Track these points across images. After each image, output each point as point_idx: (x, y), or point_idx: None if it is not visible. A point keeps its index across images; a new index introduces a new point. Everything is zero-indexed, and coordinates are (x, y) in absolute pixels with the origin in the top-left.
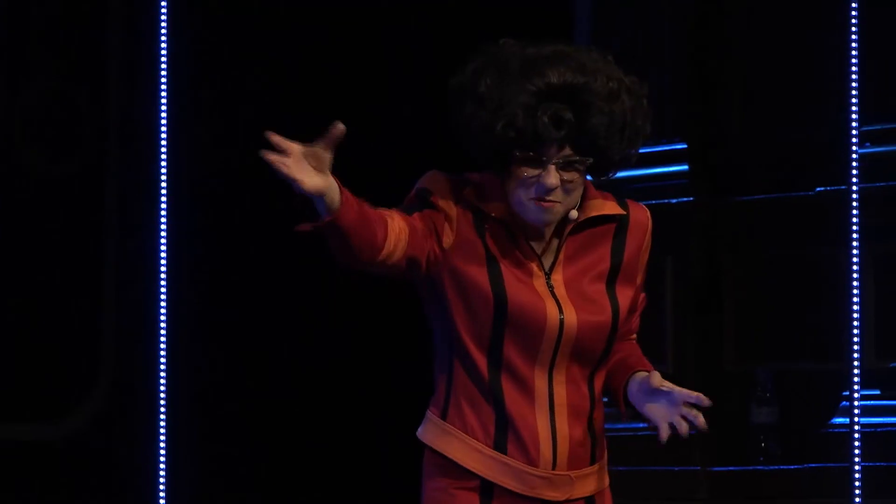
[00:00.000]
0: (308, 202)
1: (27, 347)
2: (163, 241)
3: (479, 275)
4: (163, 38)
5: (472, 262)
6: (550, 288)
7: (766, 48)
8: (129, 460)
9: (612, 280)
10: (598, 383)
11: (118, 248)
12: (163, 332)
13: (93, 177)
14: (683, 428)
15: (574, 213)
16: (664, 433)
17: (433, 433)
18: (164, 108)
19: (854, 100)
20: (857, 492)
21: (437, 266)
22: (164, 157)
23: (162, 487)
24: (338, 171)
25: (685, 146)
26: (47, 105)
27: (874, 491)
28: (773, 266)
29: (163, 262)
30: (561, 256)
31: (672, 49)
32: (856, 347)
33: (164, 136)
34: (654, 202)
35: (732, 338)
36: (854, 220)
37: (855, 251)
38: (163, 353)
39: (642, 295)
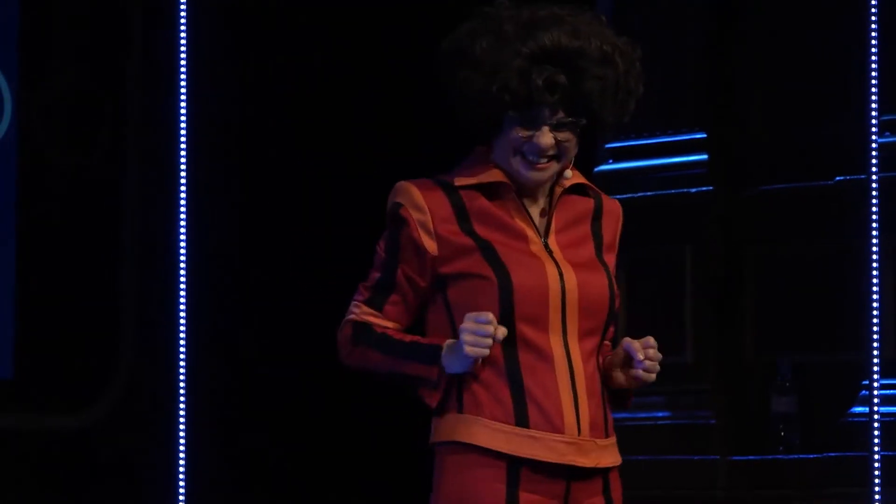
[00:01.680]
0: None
1: (47, 339)
2: (182, 234)
3: (474, 265)
4: (182, 32)
5: (462, 257)
6: (548, 250)
7: (786, 38)
8: (148, 451)
9: (598, 253)
10: (601, 361)
11: (138, 241)
12: (182, 324)
13: (113, 171)
14: (641, 375)
15: (569, 173)
16: (636, 382)
17: (451, 427)
18: (183, 102)
19: (874, 89)
20: (876, 481)
21: (434, 286)
22: (183, 151)
23: (181, 478)
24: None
25: (705, 135)
26: (68, 100)
27: (894, 480)
28: (792, 256)
29: (182, 255)
30: (553, 221)
31: (693, 38)
32: (875, 337)
33: (183, 130)
34: (673, 191)
35: (752, 328)
36: (874, 209)
37: (874, 240)
38: (182, 345)
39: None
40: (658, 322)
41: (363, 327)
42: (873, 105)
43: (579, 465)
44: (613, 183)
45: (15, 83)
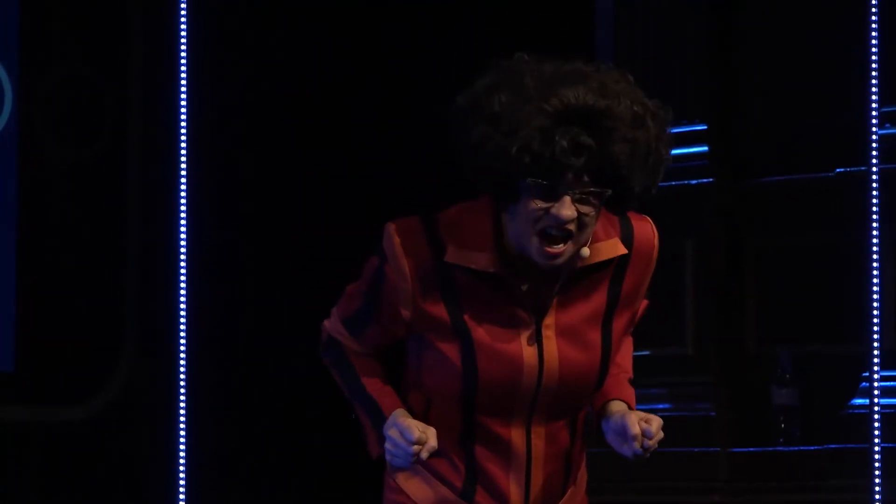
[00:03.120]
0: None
1: (48, 332)
2: (183, 227)
3: (446, 348)
4: (183, 23)
5: (437, 333)
6: (539, 334)
7: (787, 30)
8: (148, 443)
9: (608, 316)
10: (580, 419)
11: (139, 234)
12: (183, 317)
13: (114, 163)
14: (632, 457)
15: (586, 251)
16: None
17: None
18: (184, 95)
19: (874, 81)
20: (876, 472)
21: (410, 332)
22: (184, 144)
23: (182, 470)
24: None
25: (705, 127)
26: (69, 92)
27: (894, 471)
28: (793, 247)
29: (183, 248)
30: (556, 300)
31: (694, 30)
32: (875, 328)
33: (184, 124)
34: (674, 183)
35: (752, 319)
36: (874, 201)
37: (875, 232)
38: (183, 338)
39: (645, 302)
40: (659, 314)
41: (335, 345)
42: (874, 97)
43: None
44: None
45: (15, 76)
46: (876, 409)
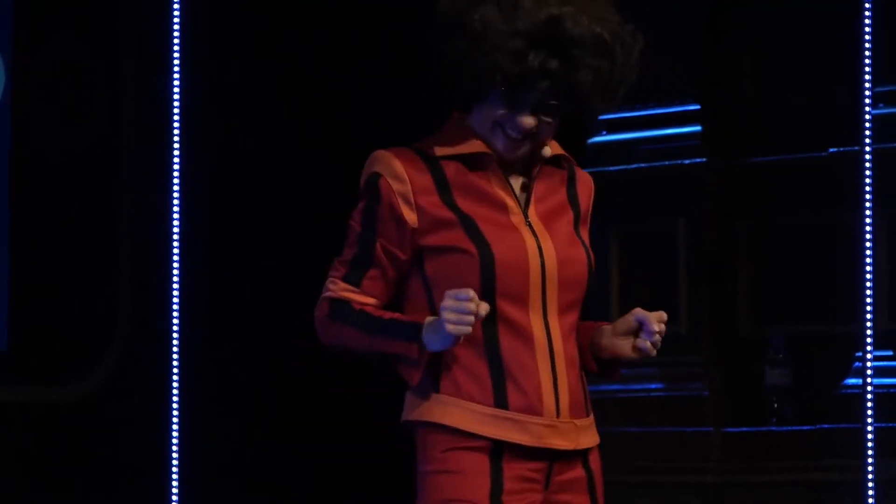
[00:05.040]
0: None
1: (41, 312)
2: (176, 209)
3: (456, 239)
4: (176, 4)
5: (443, 230)
6: (528, 223)
7: (779, 9)
8: (141, 424)
9: (575, 225)
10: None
11: (132, 216)
12: (176, 297)
13: (107, 145)
14: (649, 347)
15: (547, 150)
16: (639, 353)
17: (427, 407)
18: (177, 76)
19: (867, 61)
20: (869, 452)
21: (413, 259)
22: (177, 124)
23: (174, 451)
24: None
25: (698, 107)
26: (61, 74)
27: (887, 451)
28: (785, 227)
29: (176, 229)
30: (533, 193)
31: (685, 10)
32: (869, 309)
33: (176, 106)
34: (667, 163)
35: (746, 300)
36: (867, 181)
37: (868, 212)
38: (176, 317)
39: (592, 255)
40: (651, 293)
41: (340, 304)
42: (867, 76)
43: (559, 447)
44: (607, 154)
45: (8, 57)
46: (869, 388)
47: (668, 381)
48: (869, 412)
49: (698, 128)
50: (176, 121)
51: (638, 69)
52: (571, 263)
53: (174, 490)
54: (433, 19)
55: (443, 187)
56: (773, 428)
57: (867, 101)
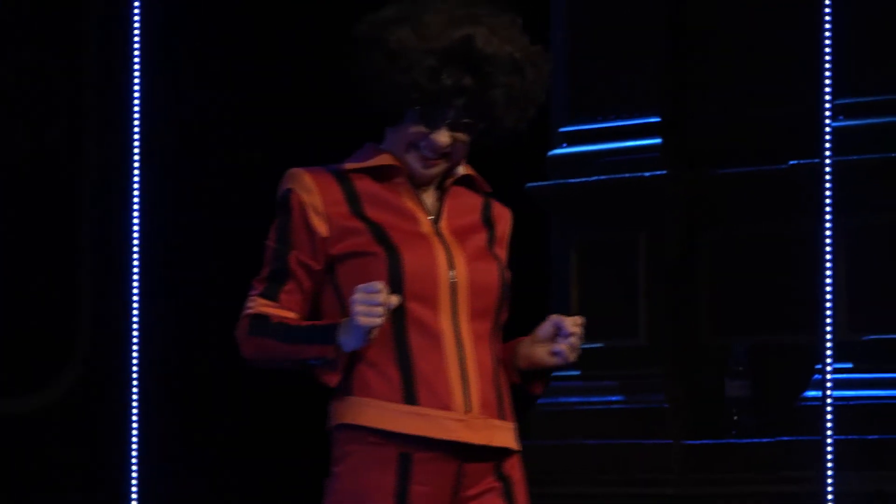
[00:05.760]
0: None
1: (2, 323)
2: (137, 217)
3: (363, 244)
4: (137, 9)
5: (353, 237)
6: (439, 235)
7: (739, 22)
8: (102, 433)
9: (490, 244)
10: (497, 349)
11: (94, 223)
12: (136, 308)
13: (68, 154)
14: (566, 350)
15: (460, 170)
16: (557, 358)
17: (341, 410)
18: (137, 83)
19: (827, 73)
20: (828, 464)
21: (326, 269)
22: (137, 130)
23: (134, 461)
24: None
25: (659, 119)
26: (23, 78)
27: (846, 463)
28: (746, 239)
29: (136, 239)
30: (444, 209)
31: (647, 23)
32: (828, 321)
33: (137, 110)
34: (627, 175)
35: (706, 311)
36: (827, 193)
37: (828, 224)
38: (136, 329)
39: (508, 273)
40: (612, 305)
41: (260, 318)
42: (827, 89)
43: (468, 441)
44: (568, 166)
45: None
46: (828, 401)
47: (628, 392)
48: (829, 424)
49: (659, 140)
50: (136, 126)
51: (548, 87)
52: (482, 272)
53: (133, 500)
54: (351, 41)
55: (353, 199)
56: (734, 440)
57: (827, 113)
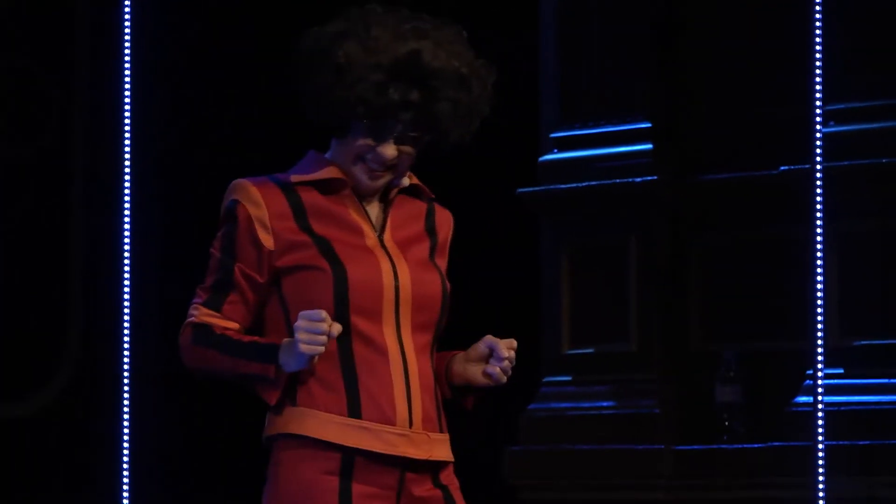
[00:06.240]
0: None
1: None
2: (127, 222)
3: (309, 258)
4: (127, 15)
5: (298, 251)
6: (383, 247)
7: (731, 27)
8: (93, 438)
9: (431, 254)
10: (435, 360)
11: (84, 229)
12: (127, 311)
13: (58, 158)
14: (498, 373)
15: (405, 181)
16: (489, 379)
17: (284, 420)
18: (127, 89)
19: (818, 79)
20: (820, 470)
21: (271, 282)
22: (128, 137)
23: (126, 464)
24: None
25: (650, 125)
26: (12, 86)
27: (837, 469)
28: (737, 245)
29: (127, 243)
30: (389, 220)
31: (637, 28)
32: (819, 326)
33: (127, 118)
34: (618, 181)
35: (697, 316)
36: (818, 199)
37: (819, 230)
38: (126, 332)
39: (448, 284)
40: (603, 310)
41: (203, 329)
42: (818, 95)
43: (410, 456)
44: (558, 172)
45: None
46: (820, 406)
47: (619, 398)
48: (820, 430)
49: (650, 145)
50: (127, 133)
51: (492, 101)
52: (425, 284)
53: (125, 502)
54: (295, 56)
55: (299, 212)
56: (725, 445)
57: (818, 119)
